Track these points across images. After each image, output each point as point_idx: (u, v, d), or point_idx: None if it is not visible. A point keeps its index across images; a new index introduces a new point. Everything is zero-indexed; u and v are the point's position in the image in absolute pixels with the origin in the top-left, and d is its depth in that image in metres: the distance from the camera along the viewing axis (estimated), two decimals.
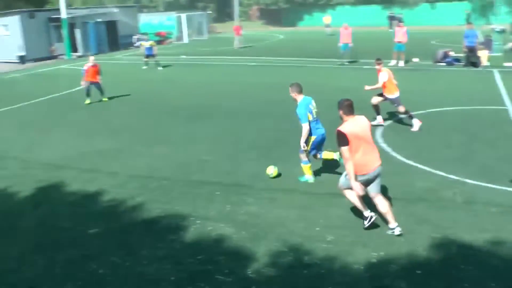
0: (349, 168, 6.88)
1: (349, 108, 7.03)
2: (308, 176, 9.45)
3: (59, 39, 35.29)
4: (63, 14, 34.36)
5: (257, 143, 12.01)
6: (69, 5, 43.60)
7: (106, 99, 18.04)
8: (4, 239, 7.79)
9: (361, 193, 6.99)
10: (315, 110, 9.16)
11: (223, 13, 66.95)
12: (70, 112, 16.65)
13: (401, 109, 12.81)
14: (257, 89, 19.11)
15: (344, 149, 6.86)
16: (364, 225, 7.28)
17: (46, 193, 9.61)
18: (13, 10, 35.62)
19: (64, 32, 34.60)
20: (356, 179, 6.90)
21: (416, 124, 12.58)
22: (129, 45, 40.39)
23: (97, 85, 17.83)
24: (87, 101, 17.63)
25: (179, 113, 15.60)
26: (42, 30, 35.20)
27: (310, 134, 9.01)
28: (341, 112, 7.08)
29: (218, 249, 6.99)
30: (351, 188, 7.08)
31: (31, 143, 13.12)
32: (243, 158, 10.99)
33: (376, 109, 13.01)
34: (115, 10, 41.30)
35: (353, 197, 7.23)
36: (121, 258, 6.89)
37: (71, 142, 12.95)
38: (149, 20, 47.72)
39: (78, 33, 36.58)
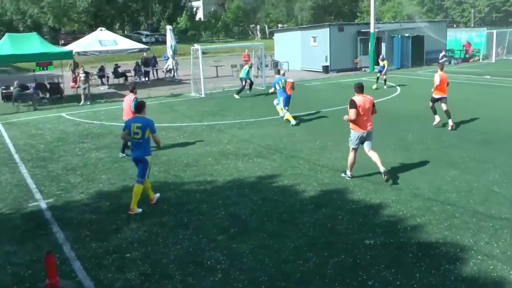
0: (351, 123, 10.93)
1: (359, 88, 10.92)
2: (292, 121, 17.57)
3: (365, 52, 37.00)
4: (372, 28, 35.94)
5: None
6: (378, 20, 45.30)
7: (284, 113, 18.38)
8: (283, 231, 8.60)
9: (355, 146, 11.13)
10: (282, 85, 17.74)
11: None
12: None
13: None
14: None
15: (352, 111, 10.70)
16: (345, 174, 11.38)
17: (329, 196, 10.27)
18: (324, 24, 38.69)
19: (370, 45, 36.15)
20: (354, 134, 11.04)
21: None
22: (434, 61, 40.09)
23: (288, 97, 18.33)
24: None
25: (471, 135, 14.97)
26: (348, 42, 37.48)
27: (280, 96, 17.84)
28: (355, 90, 10.94)
29: None
30: (354, 150, 11.19)
31: (321, 147, 14.13)
32: None
33: None
34: (423, 25, 41.39)
35: (351, 157, 11.22)
36: (392, 274, 6.96)
37: (361, 152, 13.35)
38: (457, 36, 46.57)
39: (383, 47, 37.83)
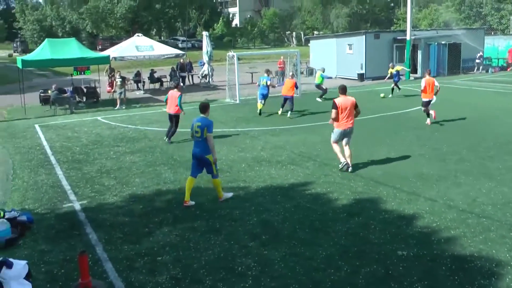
0: (333, 122, 12.48)
1: (343, 90, 12.45)
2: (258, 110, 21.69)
3: (400, 59, 36.64)
4: (408, 35, 35.59)
5: None
6: (415, 27, 44.71)
7: (290, 117, 20.70)
8: (315, 239, 8.57)
9: (335, 141, 12.67)
10: (263, 83, 21.50)
11: None
12: (399, 131, 17.19)
13: None
14: None
15: (333, 111, 12.32)
16: (339, 167, 12.57)
17: (361, 205, 10.18)
18: (360, 31, 38.44)
19: (406, 53, 35.79)
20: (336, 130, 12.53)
21: None
22: (471, 69, 39.45)
23: (290, 98, 20.98)
24: (279, 111, 21.45)
25: (508, 146, 14.69)
26: (384, 50, 37.14)
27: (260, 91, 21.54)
28: (339, 91, 12.53)
29: None
30: (336, 143, 12.68)
31: (355, 156, 13.96)
32: None
33: None
34: (460, 32, 40.77)
35: (336, 148, 12.65)
36: (424, 287, 6.86)
37: (394, 161, 13.45)
38: (495, 44, 45.64)
39: (419, 55, 37.40)
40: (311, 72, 39.82)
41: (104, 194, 11.37)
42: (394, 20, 78.22)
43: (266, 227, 9.18)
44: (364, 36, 36.85)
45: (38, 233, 9.20)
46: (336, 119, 12.33)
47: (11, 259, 7.10)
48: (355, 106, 12.43)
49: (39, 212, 10.30)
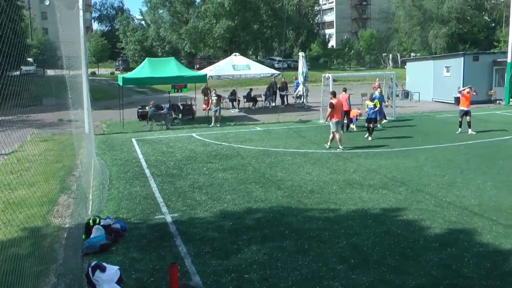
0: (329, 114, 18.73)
1: (333, 94, 19.41)
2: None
3: (500, 83, 35.13)
4: (509, 57, 34.10)
5: None
6: None
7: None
8: (405, 267, 8.37)
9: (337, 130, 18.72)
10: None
11: None
12: (497, 160, 16.39)
13: None
14: None
15: (330, 109, 18.58)
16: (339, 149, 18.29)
17: (455, 235, 9.80)
18: (458, 53, 37.17)
19: (507, 76, 34.24)
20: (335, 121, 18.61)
21: None
22: None
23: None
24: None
25: None
26: (483, 73, 35.60)
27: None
28: (331, 96, 19.44)
29: None
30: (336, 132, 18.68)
31: (449, 183, 13.55)
32: None
33: None
34: None
35: (337, 136, 18.50)
36: None
37: (490, 191, 12.82)
38: None
39: None
40: (406, 95, 39.02)
41: (195, 209, 11.70)
42: (495, 42, 74.78)
43: (355, 251, 9.09)
44: (462, 58, 35.52)
45: (130, 241, 9.65)
46: (334, 113, 18.51)
47: (104, 264, 7.51)
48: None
49: (132, 222, 10.78)
